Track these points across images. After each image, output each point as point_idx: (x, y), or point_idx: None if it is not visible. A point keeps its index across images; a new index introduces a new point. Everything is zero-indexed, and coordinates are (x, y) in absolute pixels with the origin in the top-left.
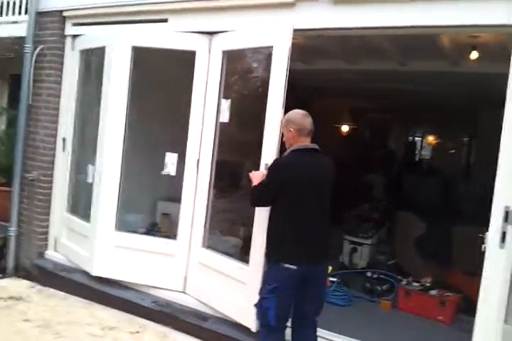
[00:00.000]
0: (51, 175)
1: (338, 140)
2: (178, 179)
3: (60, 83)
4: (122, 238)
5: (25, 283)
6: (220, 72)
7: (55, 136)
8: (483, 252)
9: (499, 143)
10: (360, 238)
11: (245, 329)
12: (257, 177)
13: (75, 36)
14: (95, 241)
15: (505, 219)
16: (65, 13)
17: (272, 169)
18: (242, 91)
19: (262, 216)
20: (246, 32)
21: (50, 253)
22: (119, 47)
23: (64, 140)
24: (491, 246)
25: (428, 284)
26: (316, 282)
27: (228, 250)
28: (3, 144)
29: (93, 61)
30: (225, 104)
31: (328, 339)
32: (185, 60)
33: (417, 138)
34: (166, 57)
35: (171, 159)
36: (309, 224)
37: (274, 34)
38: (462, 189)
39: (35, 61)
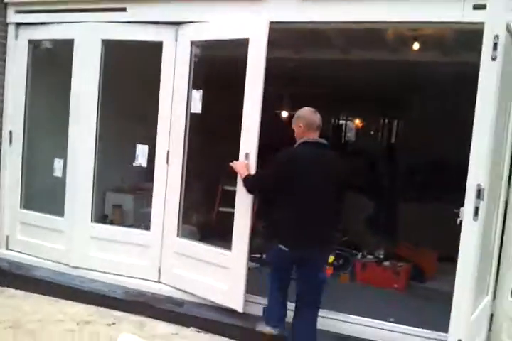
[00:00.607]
0: None
1: (280, 125)
2: (125, 169)
3: (3, 74)
4: (98, 229)
5: None
6: (189, 62)
7: (0, 129)
8: (430, 225)
9: (424, 123)
10: None
11: (228, 311)
12: (240, 166)
13: (18, 24)
14: (73, 233)
15: (478, 195)
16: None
17: (277, 157)
18: (213, 82)
19: (243, 204)
20: (219, 23)
21: (1, 252)
22: (88, 40)
23: (11, 133)
24: (466, 219)
25: (381, 256)
26: (311, 266)
27: (186, 237)
28: None
29: (46, 51)
30: (197, 94)
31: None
32: (155, 51)
33: (343, 122)
34: (136, 48)
35: (141, 151)
36: (307, 212)
37: (249, 27)
38: (388, 167)
39: None
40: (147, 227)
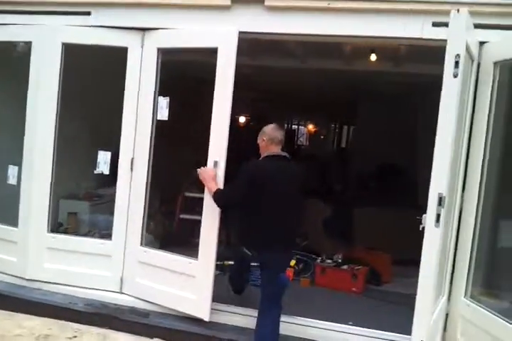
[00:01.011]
0: None
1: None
2: (81, 175)
3: None
4: (56, 240)
5: None
6: (155, 69)
7: None
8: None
9: (376, 129)
10: None
11: (194, 321)
12: (208, 174)
13: None
14: (28, 244)
15: (439, 203)
16: None
17: (243, 170)
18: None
19: (209, 212)
20: (188, 31)
21: None
22: (47, 43)
23: None
24: (429, 226)
25: (340, 260)
26: (275, 268)
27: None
28: None
29: (5, 53)
30: (163, 101)
31: (251, 315)
32: (118, 56)
33: (296, 126)
34: (99, 53)
35: (103, 158)
36: (275, 218)
37: (219, 36)
38: (340, 172)
39: None
40: (104, 235)
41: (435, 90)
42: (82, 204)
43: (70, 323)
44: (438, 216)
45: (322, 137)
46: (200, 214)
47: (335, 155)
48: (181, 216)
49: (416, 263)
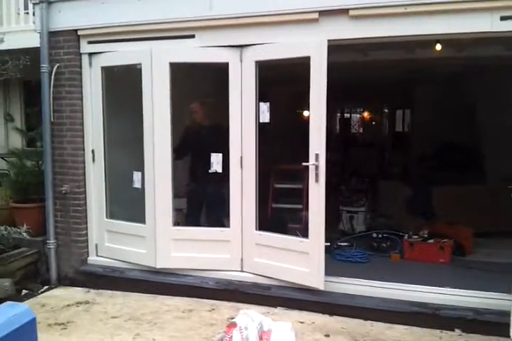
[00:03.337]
0: (84, 186)
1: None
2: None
3: (81, 99)
4: (180, 232)
5: (78, 289)
6: (254, 79)
7: (82, 149)
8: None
9: (430, 112)
10: (355, 207)
11: (310, 291)
12: None
13: (91, 53)
14: (156, 237)
15: None
16: (80, 32)
17: None
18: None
19: (316, 199)
20: (282, 44)
21: (92, 259)
22: (157, 64)
23: (93, 152)
24: None
25: (426, 235)
26: None
27: None
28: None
29: (117, 76)
30: (264, 106)
31: (359, 284)
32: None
33: (349, 115)
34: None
35: (216, 159)
36: None
37: (310, 46)
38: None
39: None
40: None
41: (494, 71)
42: (182, 200)
43: (204, 300)
44: None
45: (374, 123)
46: (288, 202)
47: (393, 139)
48: (273, 205)
49: (492, 234)
